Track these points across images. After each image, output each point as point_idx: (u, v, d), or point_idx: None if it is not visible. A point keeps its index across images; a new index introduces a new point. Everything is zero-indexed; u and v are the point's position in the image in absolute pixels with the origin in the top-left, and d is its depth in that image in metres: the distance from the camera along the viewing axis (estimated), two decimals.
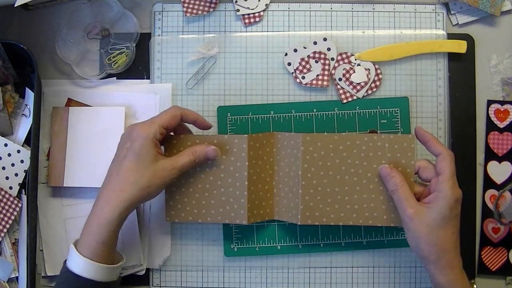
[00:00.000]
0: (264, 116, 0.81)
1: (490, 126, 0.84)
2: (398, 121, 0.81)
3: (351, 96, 0.82)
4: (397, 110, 0.82)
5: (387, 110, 0.81)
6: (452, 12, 0.84)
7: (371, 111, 0.81)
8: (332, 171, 0.75)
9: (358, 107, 0.82)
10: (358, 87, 0.82)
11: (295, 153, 0.76)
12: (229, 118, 0.81)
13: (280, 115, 0.81)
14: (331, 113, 0.82)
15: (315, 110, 0.81)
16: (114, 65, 0.82)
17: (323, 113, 0.82)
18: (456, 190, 0.69)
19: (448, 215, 0.68)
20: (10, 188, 0.79)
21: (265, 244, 0.81)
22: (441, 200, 0.68)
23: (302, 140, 0.75)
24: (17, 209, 0.78)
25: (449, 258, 0.68)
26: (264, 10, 0.83)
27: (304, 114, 0.81)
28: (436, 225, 0.68)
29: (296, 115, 0.81)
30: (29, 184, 0.78)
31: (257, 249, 0.81)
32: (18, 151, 0.79)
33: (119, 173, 0.68)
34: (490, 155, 0.83)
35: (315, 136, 0.75)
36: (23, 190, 0.80)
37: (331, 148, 0.75)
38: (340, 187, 0.76)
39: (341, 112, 0.82)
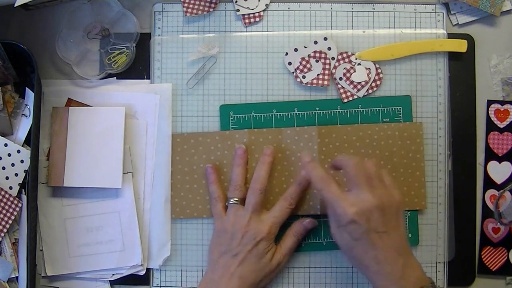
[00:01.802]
0: (266, 115, 0.81)
1: (490, 126, 0.84)
2: (400, 119, 0.81)
3: (352, 95, 0.82)
4: (400, 108, 0.82)
5: (389, 109, 0.82)
6: (452, 12, 0.84)
7: (373, 110, 0.82)
8: None
9: (360, 106, 0.82)
10: (359, 87, 0.82)
11: (310, 146, 0.79)
12: (231, 117, 0.82)
13: (282, 114, 0.81)
14: (333, 112, 0.82)
15: (317, 108, 0.82)
16: (114, 65, 0.82)
17: (325, 112, 0.82)
18: (344, 212, 0.63)
19: (347, 239, 0.65)
20: (10, 188, 0.78)
21: None
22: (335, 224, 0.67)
23: (318, 133, 0.79)
24: (17, 209, 0.78)
25: (375, 277, 0.64)
26: (264, 10, 0.83)
27: (306, 113, 0.82)
28: (349, 243, 0.65)
29: (298, 113, 0.82)
30: (29, 184, 0.77)
31: None
32: (18, 151, 0.79)
33: (235, 275, 0.72)
34: (490, 155, 0.83)
35: (329, 128, 0.80)
36: (23, 190, 0.79)
37: (345, 139, 0.80)
38: None
39: (343, 111, 0.82)
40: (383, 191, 0.65)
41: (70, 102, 0.82)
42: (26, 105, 0.81)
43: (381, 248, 0.63)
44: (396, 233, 0.64)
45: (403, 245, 0.65)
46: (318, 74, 0.82)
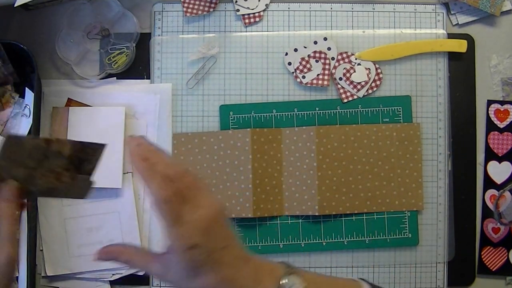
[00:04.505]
0: (266, 115, 0.81)
1: (490, 126, 0.84)
2: (400, 119, 0.82)
3: (352, 95, 0.82)
4: (400, 108, 0.82)
5: (389, 109, 0.82)
6: (452, 12, 0.84)
7: (373, 110, 0.82)
8: (345, 161, 0.80)
9: (360, 106, 0.82)
10: (359, 87, 0.82)
11: (308, 146, 0.79)
12: (231, 117, 0.82)
13: (282, 114, 0.82)
14: (333, 112, 0.82)
15: (317, 108, 0.82)
16: (114, 65, 0.82)
17: (325, 112, 0.82)
18: (180, 237, 0.50)
19: (185, 269, 0.52)
20: None
21: (267, 242, 0.81)
22: None
23: (316, 133, 0.79)
24: None
25: None
26: (264, 10, 0.83)
27: (306, 113, 0.82)
28: (185, 282, 0.53)
29: (298, 113, 0.82)
30: None
31: (259, 247, 0.81)
32: None
33: None
34: (490, 155, 0.83)
35: (328, 128, 0.80)
36: None
37: (343, 139, 0.80)
38: (354, 176, 0.80)
39: (343, 111, 0.82)
40: (208, 201, 0.53)
41: (70, 102, 0.82)
42: (26, 105, 0.81)
43: (228, 264, 0.53)
44: (235, 241, 0.54)
45: (244, 250, 0.55)
46: (318, 74, 0.82)
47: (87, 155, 0.57)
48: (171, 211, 0.49)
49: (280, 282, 0.53)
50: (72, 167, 0.57)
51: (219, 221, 0.52)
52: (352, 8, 0.84)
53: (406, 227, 0.81)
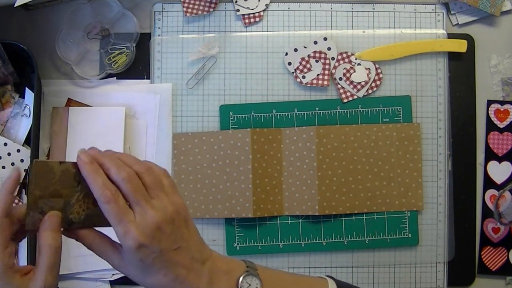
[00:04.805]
0: (266, 115, 0.81)
1: (490, 126, 0.84)
2: (400, 119, 0.82)
3: (352, 95, 0.82)
4: (400, 108, 0.82)
5: (389, 109, 0.82)
6: (452, 12, 0.84)
7: (373, 110, 0.82)
8: (345, 161, 0.80)
9: (360, 106, 0.82)
10: (359, 87, 0.82)
11: (308, 146, 0.79)
12: (231, 117, 0.82)
13: (282, 114, 0.82)
14: (333, 112, 0.82)
15: (317, 108, 0.82)
16: (114, 65, 0.82)
17: (325, 112, 0.82)
18: (128, 236, 0.51)
19: (139, 266, 0.53)
20: None
21: (267, 242, 0.81)
22: None
23: (316, 133, 0.79)
24: None
25: None
26: (264, 10, 0.83)
27: (306, 113, 0.82)
28: (139, 276, 0.54)
29: (298, 113, 0.82)
30: None
31: (259, 247, 0.81)
32: (18, 150, 0.79)
33: None
34: (490, 155, 0.83)
35: (328, 128, 0.80)
36: (23, 190, 0.79)
37: (343, 139, 0.80)
38: (354, 176, 0.80)
39: (343, 111, 0.82)
40: (165, 201, 0.53)
41: (70, 102, 0.82)
42: (26, 105, 0.81)
43: (181, 264, 0.53)
44: (191, 242, 0.55)
45: (203, 251, 0.56)
46: (318, 74, 0.82)
47: None
48: (112, 212, 0.51)
49: (238, 283, 0.54)
50: None
51: (172, 223, 0.52)
52: (352, 8, 0.84)
53: (406, 227, 0.81)
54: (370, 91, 0.82)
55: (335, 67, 0.82)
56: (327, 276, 0.60)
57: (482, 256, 0.83)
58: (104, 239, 0.55)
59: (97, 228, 0.56)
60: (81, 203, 0.53)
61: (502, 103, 0.84)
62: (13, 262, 0.51)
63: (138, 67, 0.84)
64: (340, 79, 0.82)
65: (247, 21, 0.83)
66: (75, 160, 0.52)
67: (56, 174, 0.52)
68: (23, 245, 0.79)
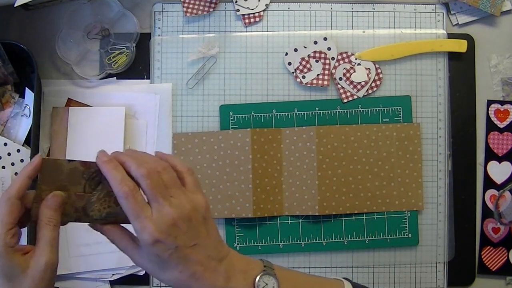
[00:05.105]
0: (266, 115, 0.81)
1: (490, 126, 0.84)
2: (400, 119, 0.82)
3: (352, 95, 0.82)
4: (399, 108, 0.82)
5: (389, 109, 0.82)
6: (452, 12, 0.84)
7: (373, 110, 0.82)
8: (345, 161, 0.80)
9: (360, 106, 0.82)
10: (359, 87, 0.82)
11: (308, 146, 0.79)
12: (231, 117, 0.82)
13: (282, 114, 0.82)
14: (333, 112, 0.82)
15: (317, 108, 0.82)
16: (114, 65, 0.82)
17: (325, 112, 0.82)
18: (145, 232, 0.52)
19: (155, 261, 0.54)
20: None
21: (267, 242, 0.81)
22: None
23: (316, 133, 0.79)
24: None
25: None
26: (264, 10, 0.83)
27: (306, 113, 0.82)
28: (157, 271, 0.55)
29: (298, 113, 0.82)
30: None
31: (259, 247, 0.81)
32: (18, 150, 0.79)
33: None
34: (490, 155, 0.83)
35: (328, 128, 0.80)
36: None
37: (343, 139, 0.80)
38: (354, 176, 0.80)
39: (343, 111, 0.82)
40: (183, 199, 0.54)
41: (70, 102, 0.82)
42: (26, 105, 0.81)
43: (198, 261, 0.54)
44: (208, 240, 0.55)
45: (220, 249, 0.56)
46: (318, 74, 0.82)
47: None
48: (130, 207, 0.52)
49: (255, 282, 0.55)
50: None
51: (190, 220, 0.53)
52: (352, 8, 0.84)
53: (406, 227, 0.81)
54: (370, 91, 0.82)
55: (335, 67, 0.82)
56: (344, 278, 0.60)
57: (482, 256, 0.83)
58: (125, 234, 0.56)
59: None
60: (102, 201, 0.55)
61: (502, 103, 0.84)
62: (14, 242, 0.52)
63: (138, 67, 0.84)
64: (340, 79, 0.82)
65: (247, 21, 0.83)
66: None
67: (64, 171, 0.54)
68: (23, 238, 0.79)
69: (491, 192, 0.83)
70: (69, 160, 0.55)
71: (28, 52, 0.78)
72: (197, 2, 0.83)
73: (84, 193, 0.56)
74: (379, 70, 0.82)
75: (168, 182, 0.54)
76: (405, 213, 0.81)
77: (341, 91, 0.82)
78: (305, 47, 0.83)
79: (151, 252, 0.53)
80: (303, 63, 0.82)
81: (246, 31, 0.84)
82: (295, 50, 0.83)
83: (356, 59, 0.82)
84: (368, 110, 0.82)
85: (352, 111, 0.82)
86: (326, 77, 0.82)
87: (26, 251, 0.54)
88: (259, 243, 0.81)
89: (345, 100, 0.82)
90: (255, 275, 0.56)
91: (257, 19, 0.83)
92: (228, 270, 0.55)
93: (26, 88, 0.81)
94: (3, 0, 0.76)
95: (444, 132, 0.83)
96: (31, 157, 0.77)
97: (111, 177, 0.53)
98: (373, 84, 0.82)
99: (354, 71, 0.82)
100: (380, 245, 0.82)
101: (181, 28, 0.84)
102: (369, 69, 0.82)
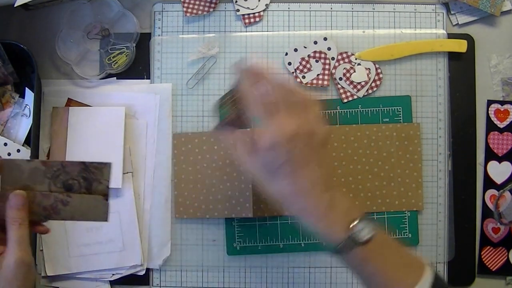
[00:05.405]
0: None
1: (490, 126, 0.84)
2: (400, 119, 0.82)
3: (352, 95, 0.82)
4: (400, 108, 0.82)
5: (389, 109, 0.82)
6: (452, 12, 0.84)
7: (373, 110, 0.82)
8: (345, 161, 0.80)
9: (360, 106, 0.82)
10: (359, 87, 0.82)
11: None
12: None
13: None
14: (333, 112, 0.82)
15: None
16: (114, 65, 0.82)
17: (325, 112, 0.82)
18: (263, 138, 0.56)
19: (266, 167, 0.57)
20: None
21: (267, 242, 0.81)
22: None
23: None
24: None
25: (299, 211, 0.58)
26: (264, 10, 0.83)
27: None
28: (264, 180, 0.58)
29: None
30: None
31: (259, 247, 0.81)
32: (18, 150, 0.79)
33: None
34: (490, 155, 0.83)
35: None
36: None
37: (343, 139, 0.80)
38: (354, 176, 0.80)
39: (343, 111, 0.82)
40: (308, 120, 0.57)
41: (70, 102, 0.82)
42: (26, 105, 0.81)
43: (305, 181, 0.56)
44: (320, 167, 0.57)
45: (328, 181, 0.58)
46: (318, 74, 0.82)
47: (93, 174, 0.60)
48: (258, 112, 0.56)
49: (352, 223, 0.56)
50: (83, 189, 0.59)
51: (309, 139, 0.56)
52: (352, 8, 0.84)
53: (406, 227, 0.81)
54: (370, 91, 0.82)
55: (335, 67, 0.82)
56: (429, 264, 0.58)
57: (482, 256, 0.83)
58: (245, 141, 0.59)
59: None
60: (230, 106, 0.63)
61: (502, 103, 0.84)
62: None
63: (138, 67, 0.84)
64: (340, 79, 0.82)
65: (247, 21, 0.83)
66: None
67: (24, 171, 0.57)
68: None
69: (491, 192, 0.83)
70: (28, 160, 0.58)
71: (28, 52, 0.78)
72: (197, 2, 0.83)
73: (50, 192, 0.58)
74: (379, 70, 0.82)
75: (299, 100, 0.58)
76: (405, 213, 0.81)
77: (341, 91, 0.82)
78: (305, 47, 0.83)
79: (265, 157, 0.56)
80: (303, 63, 0.82)
81: (246, 31, 0.84)
82: (295, 50, 0.83)
83: (356, 59, 0.82)
84: (368, 110, 0.82)
85: (352, 111, 0.82)
86: (326, 77, 0.82)
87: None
88: (259, 243, 0.81)
89: (345, 100, 0.82)
90: (355, 216, 0.57)
91: (257, 19, 0.83)
92: (331, 202, 0.57)
93: (26, 88, 0.81)
94: (3, 0, 0.77)
95: (444, 132, 0.83)
96: (31, 157, 0.77)
97: (241, 81, 0.59)
98: (373, 84, 0.82)
99: (354, 71, 0.82)
100: None
101: (181, 28, 0.84)
102: (369, 69, 0.82)
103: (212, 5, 0.83)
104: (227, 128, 0.62)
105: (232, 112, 0.62)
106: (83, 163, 0.59)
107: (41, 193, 0.58)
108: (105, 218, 0.61)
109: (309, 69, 0.82)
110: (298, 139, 0.55)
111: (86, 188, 0.60)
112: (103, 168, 0.60)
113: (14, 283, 0.55)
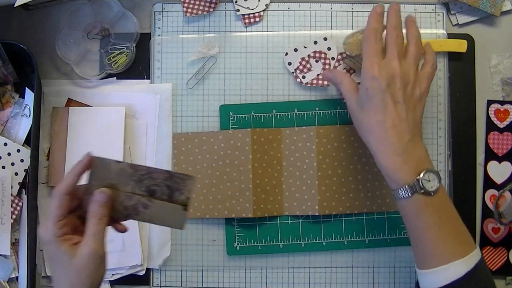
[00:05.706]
0: (266, 115, 0.81)
1: (490, 126, 0.84)
2: None
3: None
4: None
5: None
6: (452, 12, 0.84)
7: None
8: (345, 161, 0.80)
9: None
10: None
11: (308, 146, 0.79)
12: (231, 117, 0.82)
13: (282, 114, 0.82)
14: (333, 112, 0.82)
15: (317, 108, 0.82)
16: (114, 65, 0.82)
17: (325, 112, 0.82)
18: (370, 68, 0.66)
19: (363, 96, 0.67)
20: (11, 187, 0.79)
21: (267, 242, 0.81)
22: (361, 83, 0.68)
23: (316, 133, 0.79)
24: (18, 208, 0.78)
25: (377, 143, 0.66)
26: (264, 10, 0.83)
27: (306, 113, 0.82)
28: (357, 109, 0.69)
29: (298, 113, 0.82)
30: (29, 184, 0.78)
31: (259, 247, 0.81)
32: (18, 150, 0.79)
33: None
34: (490, 155, 0.83)
35: (327, 128, 0.80)
36: (23, 190, 0.79)
37: (343, 139, 0.80)
38: (353, 176, 0.80)
39: (343, 111, 0.82)
40: (413, 69, 0.67)
41: (70, 102, 0.82)
42: (26, 105, 0.81)
43: (392, 116, 0.64)
44: (411, 112, 0.66)
45: (414, 129, 0.66)
46: (318, 74, 0.82)
47: (176, 184, 0.62)
48: (368, 47, 0.67)
49: (422, 171, 0.63)
50: (165, 196, 0.62)
51: (408, 84, 0.66)
52: (352, 8, 0.84)
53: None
54: None
55: (335, 67, 0.82)
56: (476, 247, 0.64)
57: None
58: (351, 80, 0.72)
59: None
60: (357, 45, 0.74)
61: (502, 103, 0.84)
62: (63, 232, 0.59)
63: (138, 67, 0.84)
64: None
65: (247, 21, 0.83)
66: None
67: (112, 171, 0.61)
68: (23, 245, 0.79)
69: (491, 192, 0.83)
70: (118, 161, 0.61)
71: (28, 52, 0.78)
72: (197, 2, 0.83)
73: (133, 194, 0.61)
74: None
75: (412, 50, 0.68)
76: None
77: None
78: (305, 47, 0.83)
79: (364, 86, 0.66)
80: (303, 63, 0.82)
81: (246, 31, 0.84)
82: (295, 50, 0.83)
83: None
84: None
85: None
86: None
87: (75, 241, 0.60)
88: (259, 243, 0.81)
89: (345, 100, 0.82)
90: (426, 166, 0.64)
91: (257, 19, 0.83)
92: (409, 145, 0.64)
93: (26, 88, 0.82)
94: (3, 0, 0.77)
95: (444, 132, 0.83)
96: (31, 157, 0.78)
97: (369, 20, 0.68)
98: None
99: (354, 71, 0.82)
100: (380, 245, 0.82)
101: (181, 28, 0.84)
102: None
103: (212, 5, 0.83)
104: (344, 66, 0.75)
105: (355, 51, 0.74)
106: (169, 172, 0.61)
107: (125, 193, 0.61)
108: (182, 227, 0.63)
109: (309, 69, 0.82)
110: (400, 81, 0.65)
111: (168, 196, 0.62)
112: (187, 179, 0.62)
113: (83, 273, 0.58)
